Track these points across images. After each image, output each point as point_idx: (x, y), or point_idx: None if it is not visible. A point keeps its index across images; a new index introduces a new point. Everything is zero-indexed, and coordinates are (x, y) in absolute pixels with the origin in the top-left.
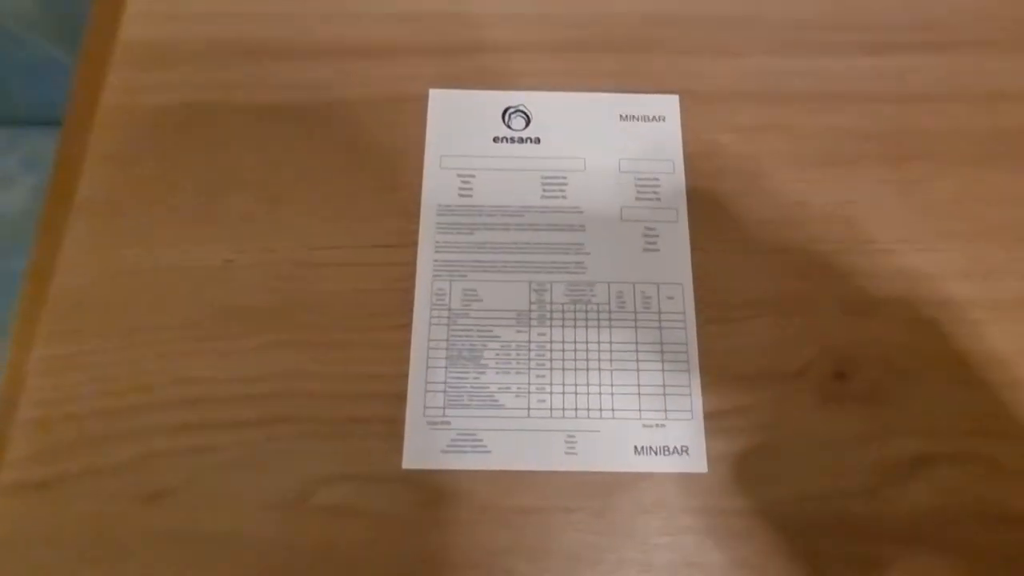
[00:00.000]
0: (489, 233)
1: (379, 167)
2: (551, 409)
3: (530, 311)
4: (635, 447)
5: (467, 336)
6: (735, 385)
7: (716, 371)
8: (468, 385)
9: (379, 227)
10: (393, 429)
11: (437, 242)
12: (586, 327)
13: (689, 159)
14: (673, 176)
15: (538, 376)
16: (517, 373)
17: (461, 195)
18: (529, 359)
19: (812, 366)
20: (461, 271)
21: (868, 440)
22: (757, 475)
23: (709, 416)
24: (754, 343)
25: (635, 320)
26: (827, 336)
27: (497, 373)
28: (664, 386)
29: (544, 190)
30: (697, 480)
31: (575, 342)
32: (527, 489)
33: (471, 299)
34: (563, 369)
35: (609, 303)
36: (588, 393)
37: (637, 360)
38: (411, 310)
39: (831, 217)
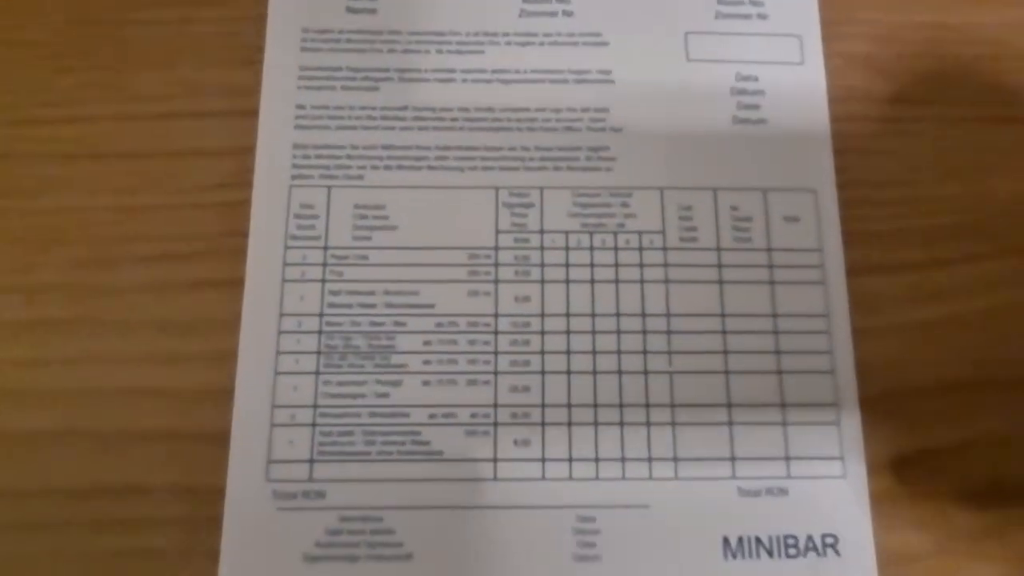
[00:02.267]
0: (410, 89)
1: None
2: (544, 460)
3: (497, 251)
4: (726, 540)
5: (363, 305)
6: (933, 402)
7: (892, 374)
8: (363, 412)
9: (174, 75)
10: (200, 511)
11: (300, 107)
12: (615, 283)
13: None
14: None
15: (515, 390)
16: (471, 384)
17: (352, 9)
18: (496, 352)
19: None
20: (350, 168)
21: None
22: None
23: (880, 470)
24: (971, 313)
25: (719, 267)
26: None
27: (427, 384)
28: (783, 407)
29: None
30: None
31: (593, 315)
32: None
33: (373, 226)
34: (568, 373)
35: (663, 231)
36: (622, 424)
37: (724, 352)
38: (244, 249)
39: None
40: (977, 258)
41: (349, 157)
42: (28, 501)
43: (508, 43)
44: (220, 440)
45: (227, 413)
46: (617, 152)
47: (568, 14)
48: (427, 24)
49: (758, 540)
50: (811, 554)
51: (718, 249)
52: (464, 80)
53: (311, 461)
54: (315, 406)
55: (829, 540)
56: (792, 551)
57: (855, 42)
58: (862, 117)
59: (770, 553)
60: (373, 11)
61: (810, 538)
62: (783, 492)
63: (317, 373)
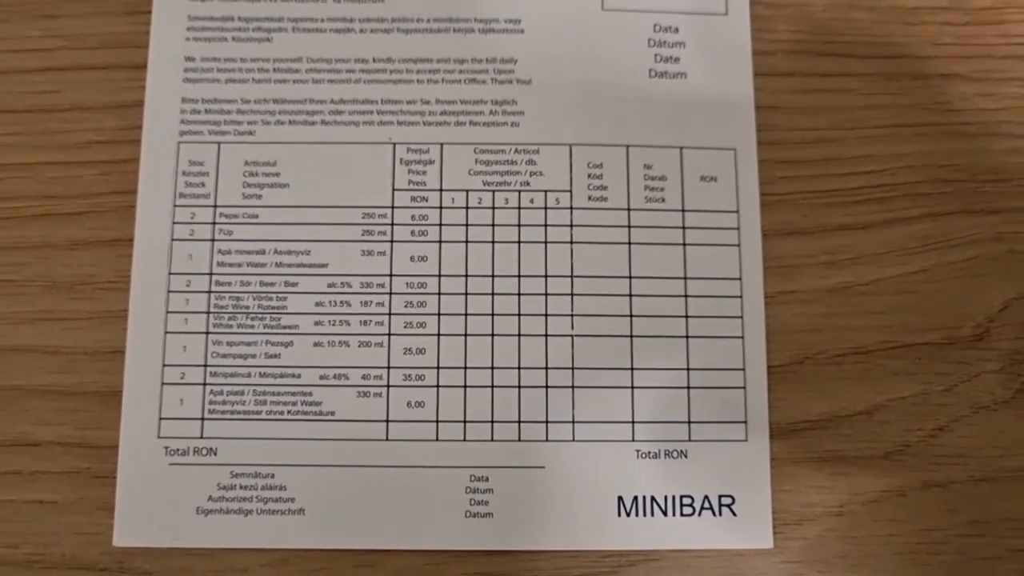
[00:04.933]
0: (305, 40)
1: None
2: (438, 423)
3: (393, 209)
4: (620, 500)
5: (253, 265)
6: (842, 369)
7: (803, 340)
8: (253, 372)
9: (57, 26)
10: (94, 466)
11: (189, 59)
12: (517, 243)
13: None
14: None
15: (409, 351)
16: (363, 346)
17: None
18: (390, 314)
19: (1000, 326)
20: (241, 123)
21: None
22: (882, 551)
23: (784, 434)
24: (887, 278)
25: (628, 227)
26: None
27: (318, 346)
28: (688, 371)
29: None
30: (754, 564)
31: (493, 277)
32: None
33: (264, 183)
34: (465, 335)
35: (571, 190)
36: (519, 387)
37: (630, 315)
38: (132, 207)
39: None
40: (897, 223)
41: (240, 112)
42: None
43: None
44: (113, 397)
45: (119, 371)
46: (524, 106)
47: None
48: None
49: (653, 499)
50: (706, 513)
51: (628, 209)
52: (362, 30)
53: (202, 419)
54: (205, 365)
55: (726, 500)
56: (687, 510)
57: None
58: (787, 72)
59: (664, 512)
60: None
61: (706, 498)
62: (683, 455)
63: (207, 333)
